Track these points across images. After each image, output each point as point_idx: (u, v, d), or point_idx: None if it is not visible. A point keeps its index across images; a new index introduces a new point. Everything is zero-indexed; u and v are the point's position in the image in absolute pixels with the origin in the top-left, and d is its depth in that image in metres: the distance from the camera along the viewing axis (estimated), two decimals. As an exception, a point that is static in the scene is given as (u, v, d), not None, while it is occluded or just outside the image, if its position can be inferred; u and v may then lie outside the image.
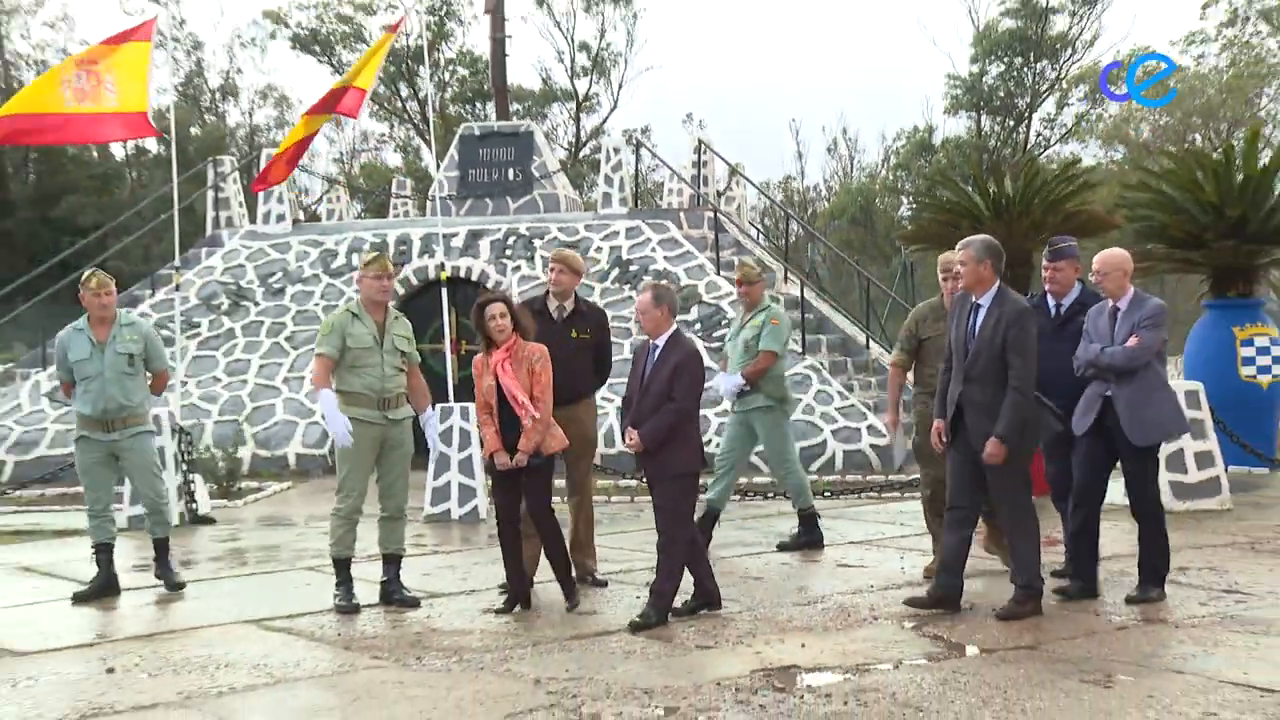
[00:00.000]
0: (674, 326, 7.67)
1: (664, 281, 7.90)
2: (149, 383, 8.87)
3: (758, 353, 9.74)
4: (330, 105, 14.02)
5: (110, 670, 6.78)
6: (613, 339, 9.12)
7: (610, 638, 7.18)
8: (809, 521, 9.99)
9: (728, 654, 6.78)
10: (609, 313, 9.33)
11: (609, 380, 9.35)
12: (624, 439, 7.74)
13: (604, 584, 8.49)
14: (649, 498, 8.00)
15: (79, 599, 8.49)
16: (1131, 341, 7.35)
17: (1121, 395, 7.38)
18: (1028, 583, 7.32)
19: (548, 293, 8.80)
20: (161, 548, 8.79)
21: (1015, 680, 6.15)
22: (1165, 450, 11.24)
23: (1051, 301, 8.04)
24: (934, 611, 7.41)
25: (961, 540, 7.45)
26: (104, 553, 8.64)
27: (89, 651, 7.25)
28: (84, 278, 8.74)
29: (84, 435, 8.66)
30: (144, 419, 8.84)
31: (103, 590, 8.55)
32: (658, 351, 7.56)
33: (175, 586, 8.68)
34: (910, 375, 8.77)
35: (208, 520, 12.36)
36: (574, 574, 8.10)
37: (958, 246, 7.55)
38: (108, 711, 6.04)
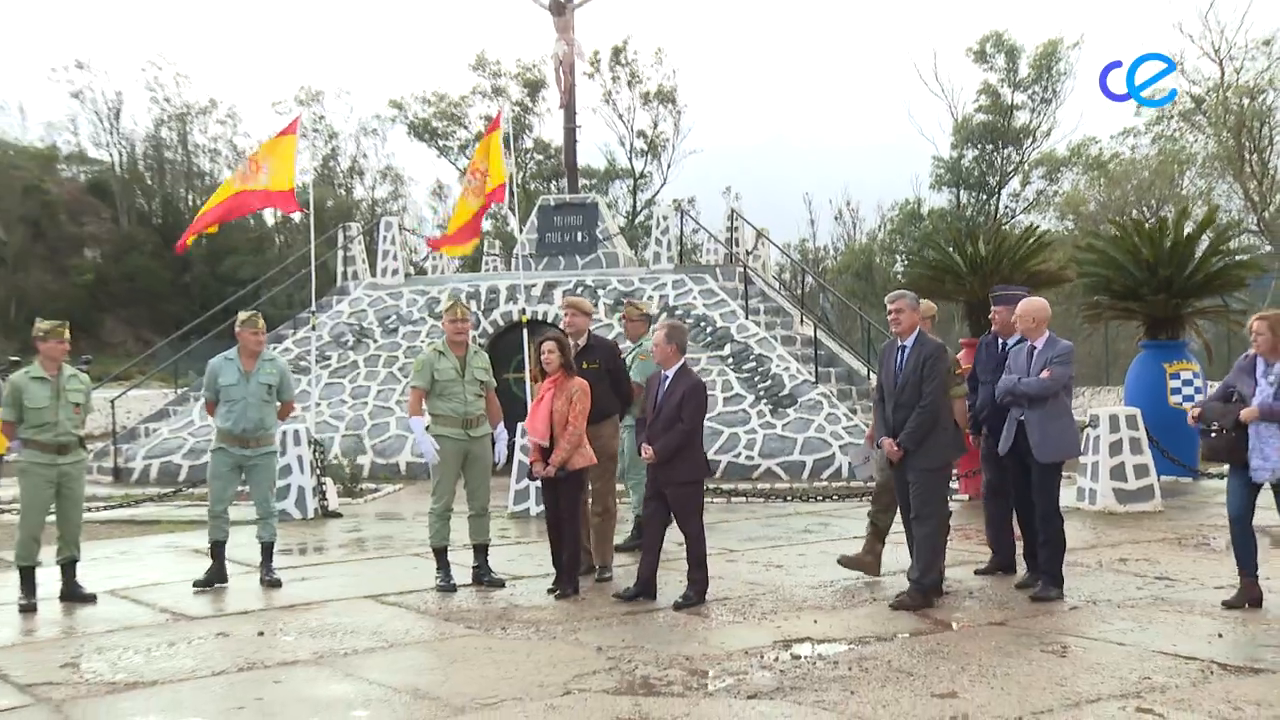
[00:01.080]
0: (682, 360, 7.58)
1: (677, 321, 7.73)
2: (278, 410, 8.77)
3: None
4: (489, 201, 14.25)
5: (261, 633, 6.89)
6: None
7: (659, 614, 7.19)
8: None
9: (754, 628, 6.77)
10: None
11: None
12: (639, 452, 7.65)
13: (609, 578, 8.22)
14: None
15: (197, 588, 8.22)
16: (1045, 374, 7.24)
17: (1032, 420, 7.27)
18: (921, 578, 7.16)
19: (565, 333, 8.60)
20: (268, 550, 8.51)
21: (988, 650, 6.13)
22: (1112, 462, 11.25)
23: (997, 340, 7.91)
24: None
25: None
26: (218, 551, 8.41)
27: (245, 618, 7.35)
28: (246, 318, 8.65)
29: (222, 448, 8.45)
30: (272, 440, 8.73)
31: (216, 578, 8.31)
32: (668, 381, 7.50)
33: (274, 585, 8.30)
34: None
35: (336, 515, 12.45)
36: (580, 568, 8.01)
37: (891, 297, 7.47)
38: (259, 666, 6.14)
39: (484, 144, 14.21)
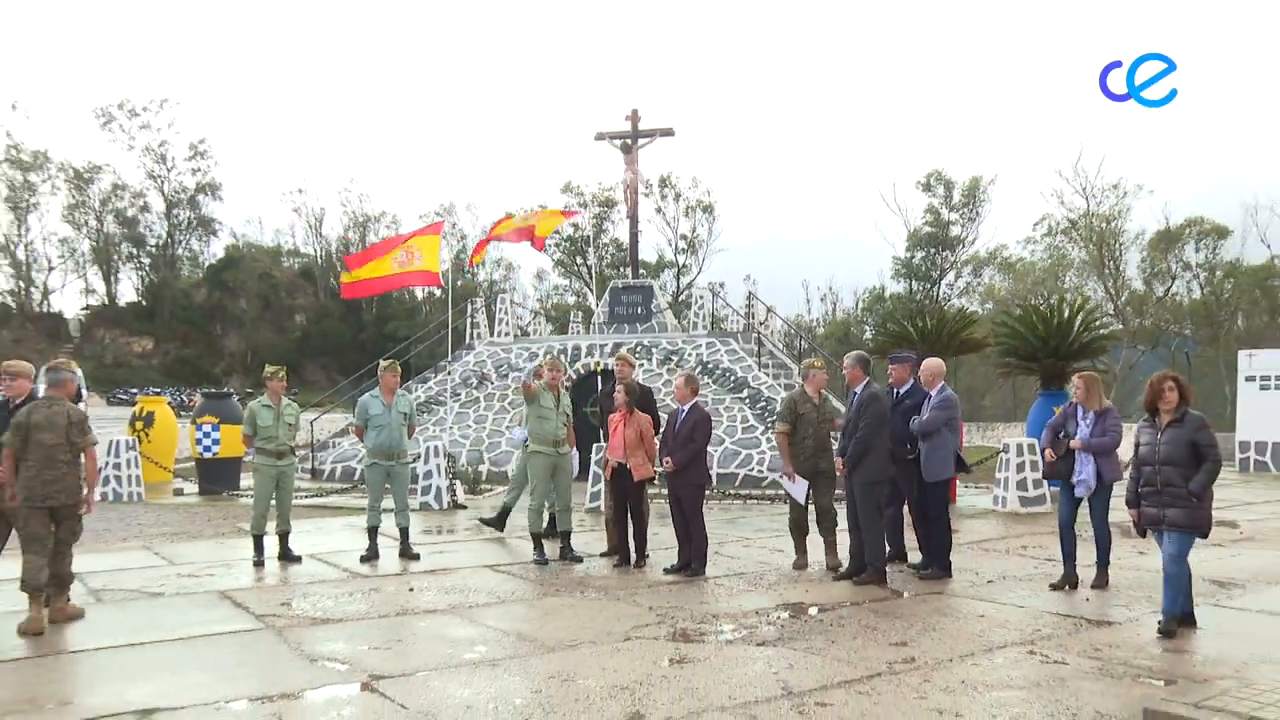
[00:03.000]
0: (695, 399, 7.68)
1: (693, 372, 7.73)
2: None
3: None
4: (520, 237, 14.67)
5: (411, 589, 6.98)
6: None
7: (693, 583, 7.20)
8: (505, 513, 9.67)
9: (762, 595, 6.77)
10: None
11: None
12: (661, 465, 7.62)
13: (647, 557, 7.93)
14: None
15: (363, 560, 8.08)
16: (925, 416, 7.17)
17: (923, 450, 7.19)
18: (874, 562, 7.09)
19: (615, 380, 8.47)
20: (405, 532, 8.34)
21: (930, 612, 6.12)
22: (1017, 477, 11.17)
23: (893, 389, 7.67)
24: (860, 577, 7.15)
25: (859, 539, 7.20)
26: (373, 534, 8.28)
27: (398, 578, 7.44)
28: (387, 364, 8.55)
29: (375, 462, 8.33)
30: (407, 454, 8.52)
31: (373, 555, 8.14)
32: (683, 414, 7.59)
33: (412, 558, 8.14)
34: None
35: (463, 507, 12.44)
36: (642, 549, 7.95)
37: (845, 359, 7.43)
38: (410, 613, 6.23)
39: (427, 239, 14.26)
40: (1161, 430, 5.54)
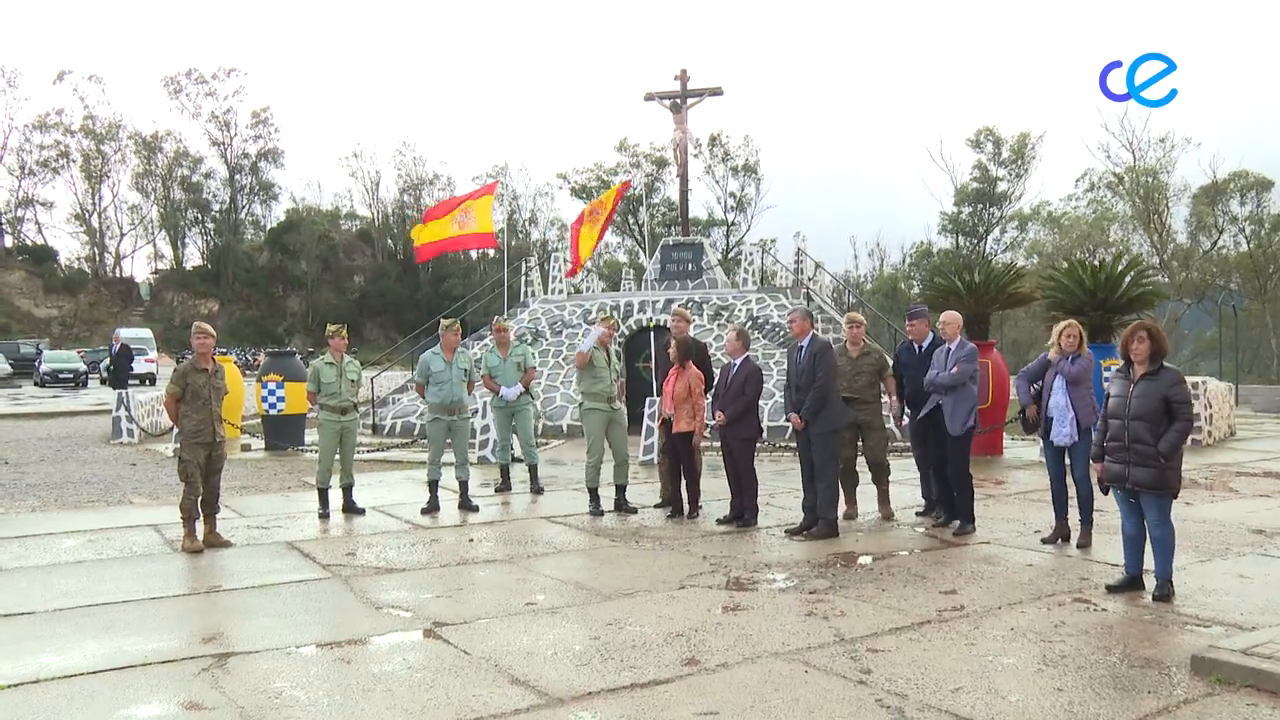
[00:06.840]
0: (746, 353, 7.57)
1: (744, 327, 7.68)
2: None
3: (525, 370, 9.50)
4: (582, 219, 14.72)
5: (471, 540, 7.07)
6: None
7: (745, 534, 7.20)
8: (535, 471, 9.71)
9: (814, 547, 6.74)
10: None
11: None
12: (713, 418, 7.57)
13: (700, 509, 7.93)
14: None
15: (423, 512, 8.18)
16: (953, 369, 6.92)
17: (946, 403, 6.96)
18: (825, 515, 6.98)
19: (670, 336, 8.39)
20: (464, 485, 8.46)
21: (978, 561, 6.05)
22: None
23: (915, 344, 7.52)
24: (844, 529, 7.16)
25: (814, 494, 7.08)
26: (434, 487, 8.38)
27: (459, 530, 7.54)
28: (449, 323, 8.60)
29: (437, 417, 8.43)
30: (466, 409, 8.59)
31: (433, 507, 8.25)
32: (735, 368, 7.49)
33: (471, 510, 8.26)
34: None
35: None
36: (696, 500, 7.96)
37: (789, 313, 7.30)
38: (470, 562, 6.33)
39: (480, 201, 14.33)
40: (1134, 383, 5.17)
